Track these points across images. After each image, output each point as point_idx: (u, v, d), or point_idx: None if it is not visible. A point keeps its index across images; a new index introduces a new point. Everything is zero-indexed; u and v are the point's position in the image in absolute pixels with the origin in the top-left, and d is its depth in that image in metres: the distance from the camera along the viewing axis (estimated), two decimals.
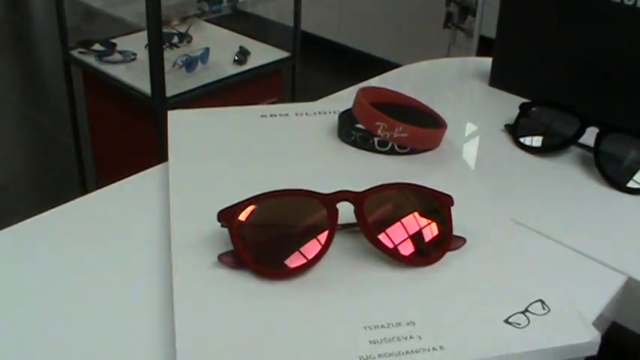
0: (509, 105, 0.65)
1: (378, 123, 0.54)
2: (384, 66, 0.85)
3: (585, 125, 0.57)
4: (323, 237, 0.42)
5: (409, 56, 1.17)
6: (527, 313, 0.39)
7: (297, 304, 0.39)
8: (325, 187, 0.43)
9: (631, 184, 0.55)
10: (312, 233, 0.42)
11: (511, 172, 0.57)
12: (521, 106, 0.62)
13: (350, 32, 2.78)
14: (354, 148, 0.56)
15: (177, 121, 0.58)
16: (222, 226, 0.42)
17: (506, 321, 0.39)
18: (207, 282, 0.40)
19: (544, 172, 0.57)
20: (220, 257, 0.42)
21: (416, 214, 0.44)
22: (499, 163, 0.58)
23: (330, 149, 0.56)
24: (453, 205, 0.45)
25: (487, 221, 0.47)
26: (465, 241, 0.45)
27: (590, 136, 0.57)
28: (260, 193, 0.42)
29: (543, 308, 0.40)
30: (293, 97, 1.89)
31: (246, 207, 0.42)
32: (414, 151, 0.55)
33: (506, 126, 0.63)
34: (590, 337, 0.38)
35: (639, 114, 0.61)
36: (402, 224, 0.43)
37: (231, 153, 0.54)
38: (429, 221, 0.44)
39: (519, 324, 0.39)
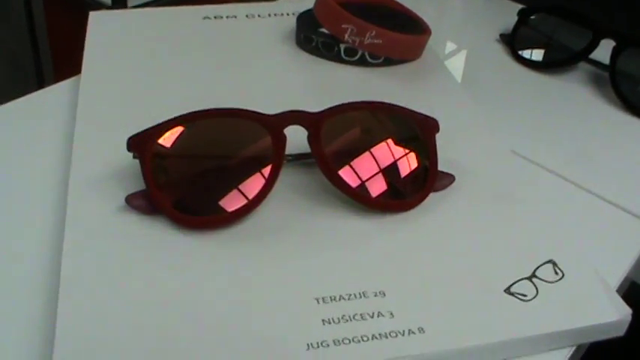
0: (506, 11, 0.54)
1: (345, 26, 0.42)
2: None
3: (599, 37, 0.46)
4: (266, 171, 0.31)
5: None
6: (534, 279, 0.30)
7: (227, 266, 0.29)
8: (275, 106, 0.32)
9: None
10: (251, 167, 0.31)
11: (508, 91, 0.46)
12: (521, 12, 0.51)
13: None
14: (314, 57, 0.44)
15: (99, 23, 0.46)
16: (134, 157, 0.32)
17: (508, 291, 0.29)
18: (107, 235, 0.29)
19: (548, 91, 0.46)
20: (129, 199, 0.31)
21: (389, 142, 0.33)
22: (493, 80, 0.47)
23: (284, 59, 0.44)
24: (438, 131, 0.34)
25: (480, 153, 0.37)
26: (452, 179, 0.34)
27: (603, 50, 0.46)
28: (186, 113, 0.31)
29: (556, 272, 0.30)
30: None
31: (165, 131, 0.31)
32: (388, 62, 0.44)
33: (501, 36, 0.52)
34: (619, 314, 0.28)
35: None
36: (371, 155, 0.33)
37: (160, 64, 0.42)
38: (407, 152, 0.33)
39: (524, 295, 0.29)
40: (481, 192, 0.34)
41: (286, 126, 0.31)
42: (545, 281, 0.30)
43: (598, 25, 0.46)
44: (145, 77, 0.41)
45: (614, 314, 0.28)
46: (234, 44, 0.45)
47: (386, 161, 0.33)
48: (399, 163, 0.33)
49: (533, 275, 0.30)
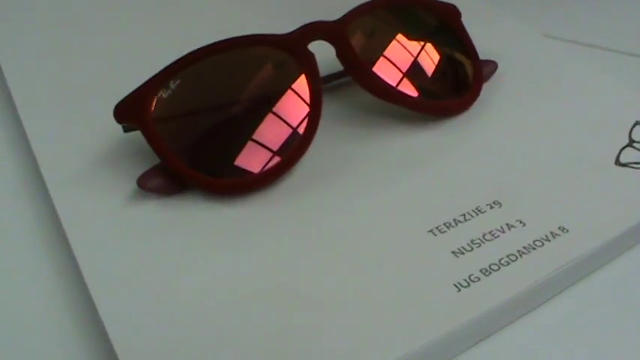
0: None
1: None
2: None
3: None
4: (305, 104, 0.25)
5: None
6: (635, 145, 0.26)
7: (301, 227, 0.23)
8: (243, 23, 0.26)
9: None
10: (285, 102, 0.25)
11: None
12: None
13: None
14: None
15: None
16: (125, 130, 0.24)
17: (618, 162, 0.25)
18: (135, 231, 0.22)
19: None
20: (142, 182, 0.24)
21: (423, 38, 0.28)
22: None
23: None
24: (460, 15, 0.29)
25: (507, 34, 0.32)
26: (495, 66, 0.30)
27: None
28: (178, 58, 0.24)
29: None
30: None
31: (160, 85, 0.24)
32: None
33: None
34: None
35: None
36: (412, 57, 0.27)
37: (81, 23, 0.34)
38: (444, 46, 0.28)
39: (637, 163, 0.25)
40: (529, 75, 0.30)
41: (309, 42, 0.25)
42: None
43: None
44: (70, 37, 0.32)
45: None
46: None
47: (429, 60, 0.27)
48: (442, 59, 0.28)
49: (632, 141, 0.26)
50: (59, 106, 0.28)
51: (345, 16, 0.26)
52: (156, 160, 0.24)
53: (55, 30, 0.33)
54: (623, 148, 0.26)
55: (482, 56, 0.29)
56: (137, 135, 0.24)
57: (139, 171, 0.24)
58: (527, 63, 0.30)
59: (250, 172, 0.24)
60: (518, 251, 0.21)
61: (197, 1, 0.35)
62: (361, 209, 0.23)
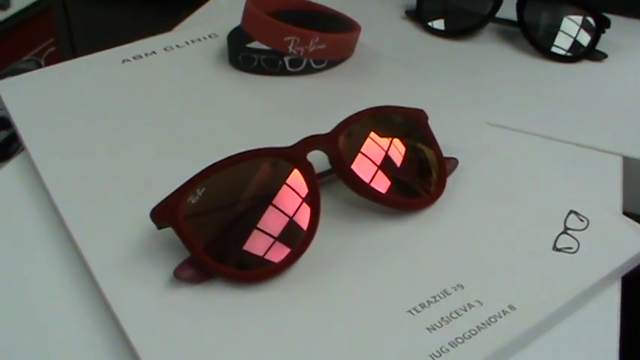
0: None
1: (287, 38, 0.42)
2: None
3: None
4: (307, 206, 0.31)
5: None
6: (569, 232, 0.32)
7: (303, 310, 0.29)
8: (252, 138, 0.33)
9: (567, 52, 0.49)
10: (291, 202, 0.31)
11: (435, 64, 0.48)
12: None
13: None
14: (256, 76, 0.44)
15: (14, 94, 0.42)
16: (158, 227, 0.30)
17: (555, 248, 0.32)
18: (171, 317, 0.28)
19: (471, 56, 0.50)
20: (177, 273, 0.29)
21: (400, 143, 0.34)
22: (418, 56, 0.49)
23: (229, 85, 0.43)
24: (427, 119, 0.36)
25: (460, 129, 0.39)
26: (457, 162, 0.36)
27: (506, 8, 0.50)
28: (199, 170, 0.30)
29: (581, 220, 0.33)
30: (70, 34, 1.66)
31: (189, 192, 0.30)
32: (331, 64, 0.45)
33: (406, 12, 0.54)
34: None
35: None
36: (389, 160, 0.34)
37: (108, 124, 0.39)
38: (417, 148, 0.35)
39: (570, 248, 0.32)
40: (484, 166, 0.36)
41: (307, 153, 0.32)
42: (578, 230, 0.32)
43: None
44: (98, 136, 0.38)
45: None
46: (170, 83, 0.43)
47: (403, 162, 0.34)
48: (413, 161, 0.34)
49: (566, 228, 0.33)
50: (96, 199, 0.33)
51: (334, 129, 0.32)
52: (185, 252, 0.30)
53: (88, 125, 0.39)
54: (559, 235, 0.32)
55: (444, 151, 0.35)
56: (168, 229, 0.30)
57: (173, 260, 0.30)
58: (482, 155, 0.37)
59: (267, 263, 0.29)
60: (477, 327, 0.27)
61: (221, 112, 0.41)
62: (351, 293, 0.29)
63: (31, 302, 0.30)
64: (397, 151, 0.34)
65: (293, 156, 0.31)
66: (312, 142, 0.32)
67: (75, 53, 1.65)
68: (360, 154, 0.33)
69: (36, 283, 0.31)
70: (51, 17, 1.59)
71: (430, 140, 0.35)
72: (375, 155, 0.33)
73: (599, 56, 0.50)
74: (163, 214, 0.30)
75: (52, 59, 1.58)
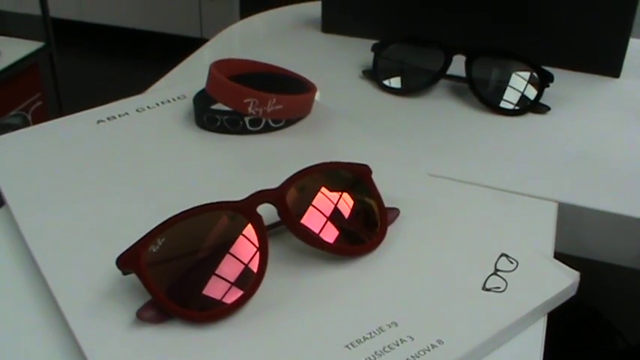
0: (352, 49, 0.60)
1: (247, 100, 0.46)
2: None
3: (450, 54, 0.54)
4: (256, 253, 0.34)
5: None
6: (499, 273, 0.36)
7: (253, 346, 0.32)
8: (211, 191, 0.36)
9: (512, 106, 0.53)
10: (242, 252, 0.34)
11: (388, 120, 0.52)
12: (375, 47, 0.58)
13: (117, 11, 2.52)
14: (219, 135, 0.48)
15: None
16: (124, 273, 0.33)
17: (485, 288, 0.35)
18: (137, 352, 0.31)
19: (423, 112, 0.53)
20: (140, 314, 0.32)
21: (344, 196, 0.38)
22: (372, 114, 0.53)
23: (194, 143, 0.47)
24: (372, 173, 0.39)
25: (403, 181, 0.42)
26: (398, 212, 0.39)
27: (455, 65, 0.54)
28: (161, 221, 0.33)
29: (510, 262, 0.36)
30: (57, 89, 1.71)
31: (150, 242, 0.33)
32: (289, 123, 0.49)
33: (364, 72, 0.58)
34: (572, 278, 0.35)
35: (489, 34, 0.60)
36: (334, 212, 0.37)
37: (82, 179, 0.43)
38: (360, 200, 0.38)
39: (498, 287, 0.35)
40: (424, 215, 0.39)
41: (257, 206, 0.35)
42: (507, 271, 0.36)
43: (447, 45, 0.54)
44: (73, 191, 0.41)
45: (568, 280, 0.35)
46: (140, 142, 0.47)
47: (347, 213, 0.37)
48: (356, 211, 0.38)
49: (496, 270, 0.36)
50: (69, 247, 0.37)
51: (282, 184, 0.36)
52: (148, 295, 0.33)
53: (64, 181, 0.42)
54: (489, 276, 0.35)
55: (388, 202, 0.38)
56: (132, 275, 0.33)
57: (136, 302, 0.33)
58: (423, 204, 0.40)
59: (221, 304, 0.32)
60: (407, 359, 0.30)
61: (185, 168, 0.45)
62: (295, 330, 0.32)
63: (9, 338, 0.32)
64: (343, 203, 0.37)
65: (244, 209, 0.34)
66: (261, 196, 0.35)
67: (61, 108, 1.69)
68: (306, 206, 0.36)
69: (12, 322, 0.33)
70: (38, 73, 1.64)
71: (373, 193, 0.39)
72: (321, 207, 0.37)
73: (543, 109, 0.54)
74: (127, 261, 0.33)
75: (39, 113, 1.63)
